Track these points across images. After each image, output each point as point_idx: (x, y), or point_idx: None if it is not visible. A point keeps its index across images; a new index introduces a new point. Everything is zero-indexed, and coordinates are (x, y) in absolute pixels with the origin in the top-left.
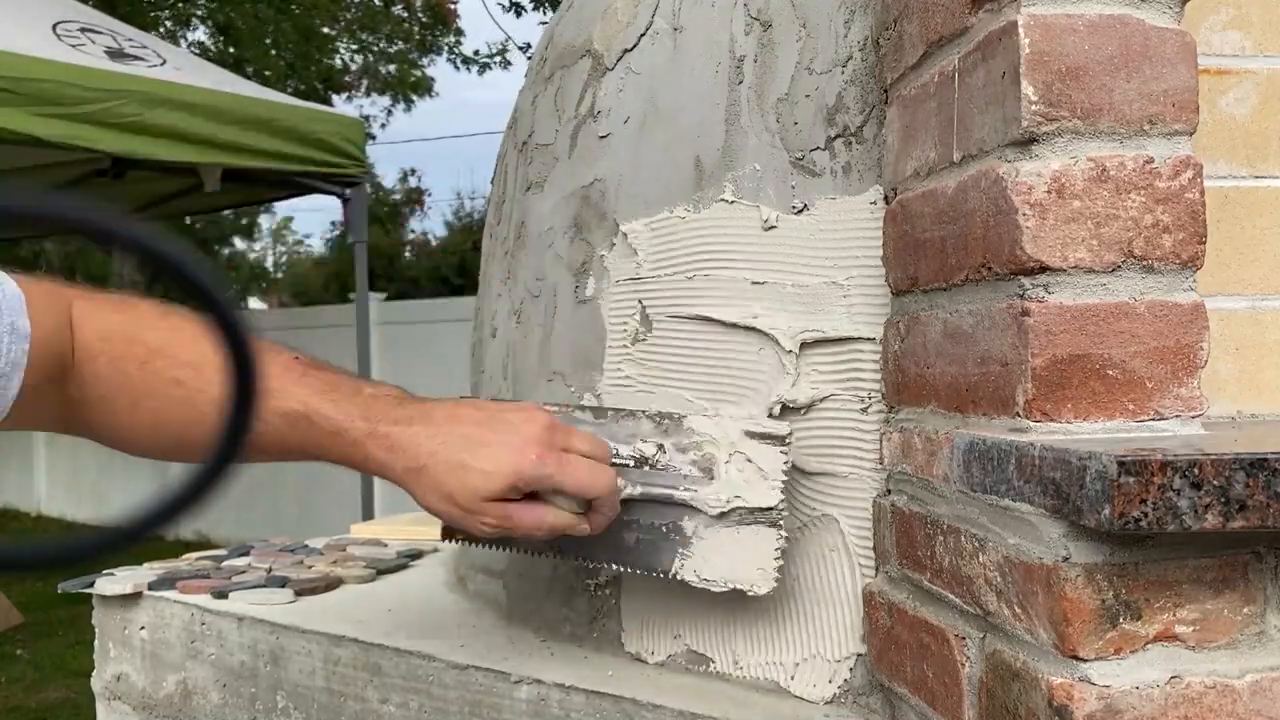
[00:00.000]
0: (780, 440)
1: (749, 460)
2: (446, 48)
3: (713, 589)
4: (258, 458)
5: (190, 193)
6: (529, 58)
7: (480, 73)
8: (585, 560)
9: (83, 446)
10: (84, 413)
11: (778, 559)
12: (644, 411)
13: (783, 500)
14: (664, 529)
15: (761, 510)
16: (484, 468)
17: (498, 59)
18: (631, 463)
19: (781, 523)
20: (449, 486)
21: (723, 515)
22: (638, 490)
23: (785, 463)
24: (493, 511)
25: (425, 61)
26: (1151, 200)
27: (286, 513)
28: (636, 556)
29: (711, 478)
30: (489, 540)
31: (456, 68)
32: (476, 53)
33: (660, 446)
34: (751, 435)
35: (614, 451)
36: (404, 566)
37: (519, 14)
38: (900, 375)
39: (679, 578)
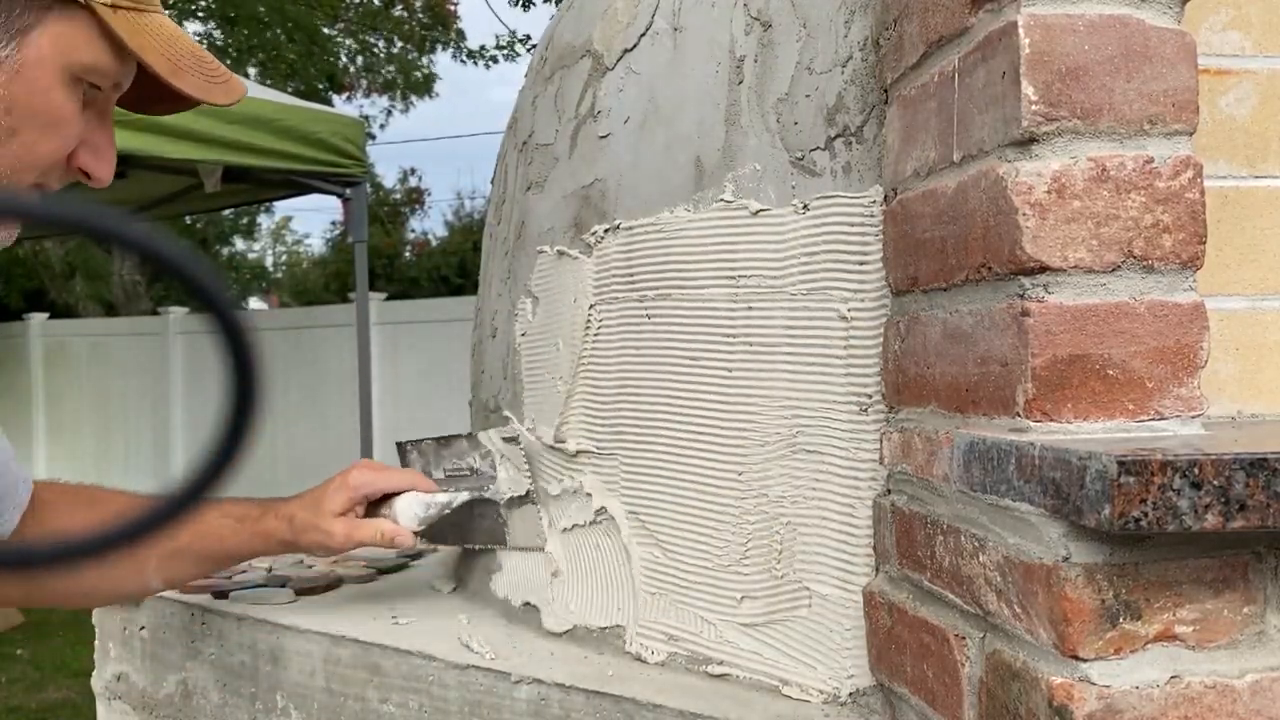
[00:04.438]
0: (515, 441)
1: (505, 458)
2: (450, 44)
3: (522, 552)
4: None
5: (190, 192)
6: (530, 50)
7: (487, 67)
8: (460, 545)
9: (83, 445)
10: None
11: (547, 526)
12: (462, 435)
13: (532, 484)
14: (495, 514)
15: (519, 497)
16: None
17: (505, 51)
18: (466, 472)
19: (537, 501)
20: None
21: (510, 501)
22: (467, 494)
23: (524, 457)
24: (340, 526)
25: (426, 61)
26: (1151, 200)
27: None
28: (491, 536)
29: (495, 476)
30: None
31: (462, 62)
32: (482, 48)
33: (479, 455)
34: (506, 440)
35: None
36: (404, 566)
37: (527, 8)
38: (900, 375)
39: (510, 546)
